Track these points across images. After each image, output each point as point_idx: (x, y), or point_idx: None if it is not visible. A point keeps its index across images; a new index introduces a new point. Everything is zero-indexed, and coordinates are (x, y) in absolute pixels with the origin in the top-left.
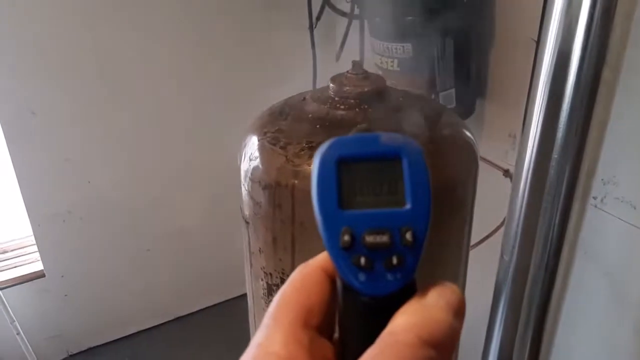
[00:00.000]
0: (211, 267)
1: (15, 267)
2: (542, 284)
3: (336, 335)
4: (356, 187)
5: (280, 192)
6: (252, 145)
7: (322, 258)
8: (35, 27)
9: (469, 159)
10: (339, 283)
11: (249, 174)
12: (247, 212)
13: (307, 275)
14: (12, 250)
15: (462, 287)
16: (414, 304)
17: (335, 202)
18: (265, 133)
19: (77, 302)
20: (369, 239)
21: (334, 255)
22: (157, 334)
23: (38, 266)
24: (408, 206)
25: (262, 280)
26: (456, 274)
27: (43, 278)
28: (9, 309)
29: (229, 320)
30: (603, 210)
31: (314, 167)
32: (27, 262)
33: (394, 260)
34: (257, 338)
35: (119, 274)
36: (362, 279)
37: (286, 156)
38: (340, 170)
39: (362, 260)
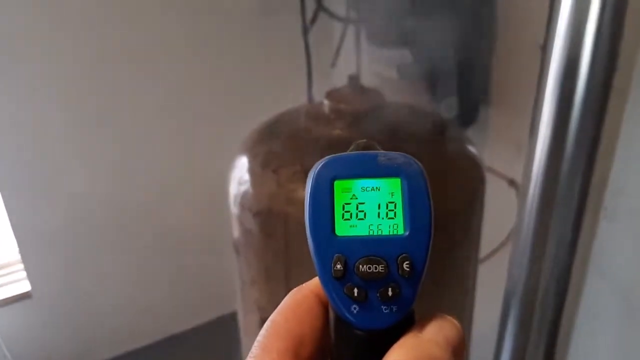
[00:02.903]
0: (206, 282)
1: (0, 286)
2: (553, 300)
3: None
4: (351, 210)
5: (272, 220)
6: (242, 168)
7: (316, 283)
8: (17, 36)
9: (474, 179)
10: (331, 313)
11: (239, 199)
12: (237, 240)
13: (299, 302)
14: None
15: (470, 316)
16: (410, 339)
17: (329, 227)
18: (255, 155)
19: (66, 322)
20: (363, 268)
21: (326, 285)
22: (151, 352)
23: (25, 286)
24: (406, 232)
25: (254, 313)
26: (461, 303)
27: (30, 299)
28: None
29: (225, 337)
30: (614, 222)
31: (307, 188)
32: (13, 281)
33: (390, 292)
34: None
35: (110, 292)
36: (355, 310)
37: (278, 181)
38: (334, 191)
39: (356, 290)
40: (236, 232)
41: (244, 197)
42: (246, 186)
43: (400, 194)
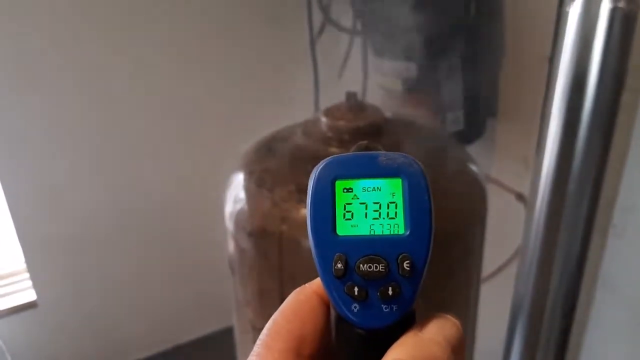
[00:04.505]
0: (212, 292)
1: (6, 295)
2: (561, 317)
3: None
4: (352, 210)
5: (267, 239)
6: (237, 186)
7: (318, 283)
8: (22, 47)
9: (475, 199)
10: (332, 313)
11: (234, 218)
12: (232, 258)
13: (301, 302)
14: (3, 279)
15: (472, 336)
16: (410, 337)
17: (330, 226)
18: (251, 172)
19: (72, 332)
20: (364, 267)
21: (327, 284)
22: None
23: (31, 296)
24: (407, 232)
25: (249, 333)
26: (463, 324)
27: (35, 308)
28: (0, 341)
29: (230, 348)
30: (624, 239)
31: (309, 188)
32: (18, 290)
33: (390, 291)
34: None
35: (115, 302)
36: (355, 309)
37: (273, 200)
38: (336, 191)
39: (356, 289)
40: (231, 251)
41: (239, 216)
42: (241, 204)
43: (401, 194)
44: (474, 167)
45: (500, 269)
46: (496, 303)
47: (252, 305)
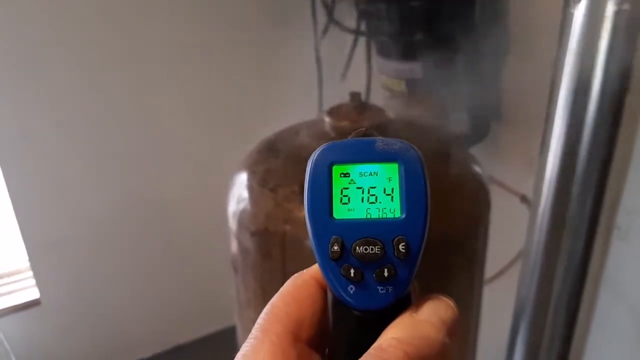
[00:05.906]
0: (215, 292)
1: (9, 293)
2: (563, 321)
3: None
4: (349, 194)
5: (270, 239)
6: (241, 185)
7: (316, 269)
8: (28, 46)
9: (479, 203)
10: (329, 295)
11: (237, 217)
12: (235, 258)
13: (299, 287)
14: (6, 277)
15: (474, 340)
16: (405, 319)
17: (326, 210)
18: (254, 172)
19: (75, 330)
20: (360, 249)
21: (323, 266)
22: None
23: (34, 294)
24: (403, 215)
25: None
26: (465, 327)
27: (39, 306)
28: (3, 340)
29: (232, 348)
30: (628, 242)
31: (306, 173)
32: (22, 288)
33: (386, 273)
34: (244, 349)
35: (119, 301)
36: (351, 291)
37: (276, 200)
38: (332, 176)
39: (352, 271)
40: (234, 250)
41: (242, 215)
42: (244, 204)
43: (398, 179)
44: (477, 169)
45: (503, 271)
46: (499, 305)
47: (254, 305)
